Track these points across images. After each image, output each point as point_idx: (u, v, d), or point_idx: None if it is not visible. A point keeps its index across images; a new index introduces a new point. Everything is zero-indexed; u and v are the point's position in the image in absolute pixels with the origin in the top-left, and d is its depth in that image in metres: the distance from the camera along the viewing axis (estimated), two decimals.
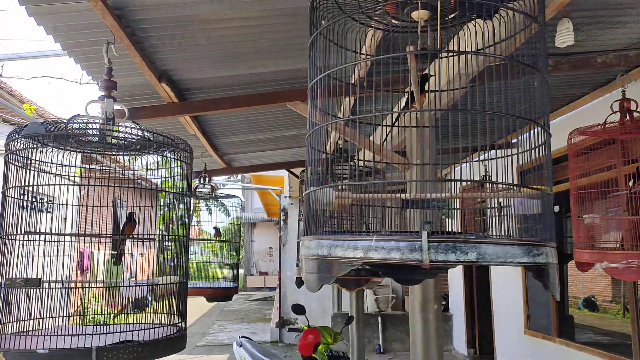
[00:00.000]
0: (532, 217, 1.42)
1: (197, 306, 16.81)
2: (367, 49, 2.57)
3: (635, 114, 3.32)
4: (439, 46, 1.58)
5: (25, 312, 1.98)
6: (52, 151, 2.28)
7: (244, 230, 26.37)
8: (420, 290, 3.28)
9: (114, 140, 2.23)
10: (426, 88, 1.99)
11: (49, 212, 2.25)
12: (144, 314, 2.29)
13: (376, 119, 2.53)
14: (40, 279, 1.89)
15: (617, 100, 3.33)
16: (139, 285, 2.08)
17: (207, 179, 4.81)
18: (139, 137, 2.14)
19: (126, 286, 2.06)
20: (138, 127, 2.15)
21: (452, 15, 1.67)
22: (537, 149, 1.42)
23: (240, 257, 26.19)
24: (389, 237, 1.23)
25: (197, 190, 4.75)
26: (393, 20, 1.78)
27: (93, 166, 2.40)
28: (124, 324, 2.19)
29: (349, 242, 1.27)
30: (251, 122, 4.58)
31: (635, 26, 3.20)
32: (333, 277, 1.30)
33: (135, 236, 2.43)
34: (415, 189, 1.68)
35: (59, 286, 2.03)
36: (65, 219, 2.42)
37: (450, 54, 1.68)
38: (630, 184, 3.42)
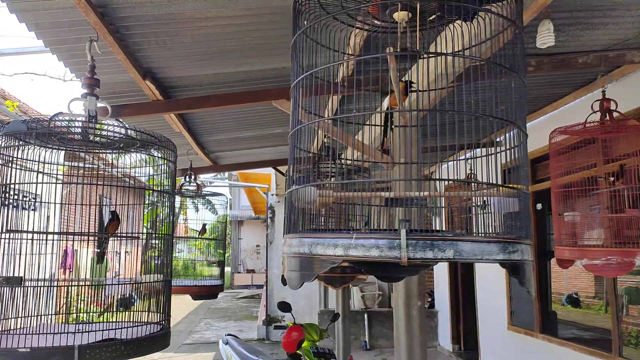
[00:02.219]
0: (509, 215, 1.45)
1: (183, 304, 16.74)
2: (352, 48, 2.59)
3: (615, 114, 3.38)
4: (418, 47, 1.60)
5: (9, 310, 1.97)
6: (34, 149, 2.26)
7: (231, 228, 26.31)
8: (404, 287, 3.32)
9: (97, 138, 2.22)
10: (409, 89, 2.01)
11: (33, 210, 2.24)
12: (128, 313, 2.29)
13: (361, 118, 2.55)
14: (21, 277, 1.88)
15: (597, 100, 3.38)
16: (122, 284, 2.07)
17: (192, 176, 4.80)
18: (122, 135, 2.14)
19: (109, 284, 2.06)
20: (121, 125, 2.14)
21: (433, 17, 1.69)
22: (514, 149, 1.44)
23: (227, 254, 26.18)
24: (368, 235, 1.26)
25: (183, 188, 4.74)
26: (375, 21, 1.80)
27: (77, 164, 2.38)
28: (107, 322, 2.18)
29: (329, 240, 1.29)
30: (237, 120, 4.58)
31: (615, 27, 3.26)
32: (314, 275, 1.32)
33: (119, 234, 2.42)
34: (398, 187, 1.71)
35: (42, 284, 2.03)
36: (49, 217, 2.40)
37: (431, 55, 1.70)
38: (612, 180, 3.49)
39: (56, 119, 2.06)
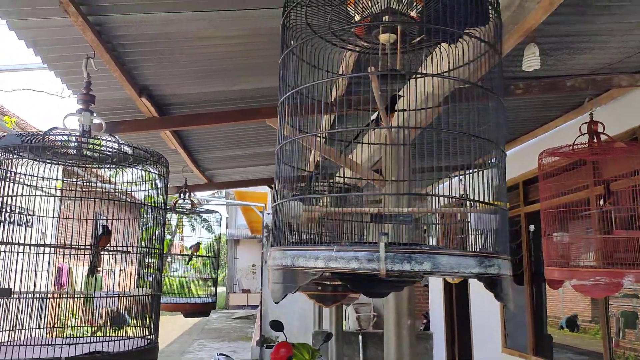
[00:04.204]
0: (489, 231, 1.48)
1: (177, 325, 16.58)
2: (344, 68, 2.66)
3: (603, 137, 3.44)
4: (402, 68, 1.66)
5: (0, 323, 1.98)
6: (29, 163, 2.30)
7: (227, 247, 26.21)
8: (394, 306, 3.33)
9: (90, 153, 2.26)
10: (396, 108, 2.07)
11: (28, 226, 2.26)
12: (118, 328, 2.30)
13: (350, 137, 2.60)
14: (10, 289, 1.90)
15: (585, 123, 3.45)
16: (110, 297, 2.09)
17: (187, 193, 4.83)
18: (115, 150, 2.18)
19: (97, 297, 2.07)
20: (114, 140, 2.19)
21: (418, 39, 1.75)
22: (491, 169, 1.48)
23: (223, 274, 25.94)
24: (348, 248, 1.29)
25: (178, 205, 4.77)
26: (362, 43, 1.86)
27: (72, 180, 2.41)
28: (95, 336, 2.19)
29: (311, 253, 1.32)
30: (232, 138, 4.64)
31: (601, 52, 3.34)
32: (296, 286, 1.35)
33: (109, 249, 2.45)
34: (385, 203, 1.74)
35: (32, 297, 2.04)
36: (44, 234, 2.43)
37: (414, 76, 1.76)
38: (601, 203, 3.53)
39: (51, 133, 2.11)
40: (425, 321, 9.95)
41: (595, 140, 3.45)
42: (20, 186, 2.27)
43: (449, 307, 8.52)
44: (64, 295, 2.14)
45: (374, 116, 2.11)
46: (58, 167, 2.43)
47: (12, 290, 1.89)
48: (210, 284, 4.67)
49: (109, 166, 2.39)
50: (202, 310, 4.47)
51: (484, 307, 6.95)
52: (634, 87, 3.93)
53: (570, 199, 3.64)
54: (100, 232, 2.44)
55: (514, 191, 6.33)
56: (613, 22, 2.91)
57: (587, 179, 3.84)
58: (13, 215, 2.17)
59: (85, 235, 2.53)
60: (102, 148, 2.19)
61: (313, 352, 4.47)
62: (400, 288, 1.96)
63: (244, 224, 23.19)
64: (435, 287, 9.07)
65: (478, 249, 1.49)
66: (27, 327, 2.16)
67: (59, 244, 2.36)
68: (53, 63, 2.76)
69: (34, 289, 2.19)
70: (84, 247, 2.37)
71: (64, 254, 2.23)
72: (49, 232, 2.45)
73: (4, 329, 2.07)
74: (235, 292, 24.24)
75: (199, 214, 4.77)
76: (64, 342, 1.94)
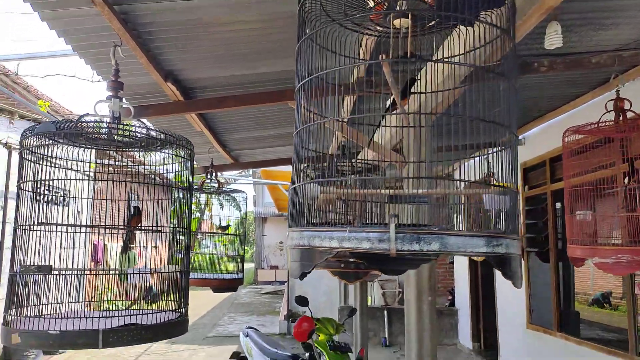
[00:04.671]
0: (500, 212, 1.52)
1: (208, 299, 17.08)
2: (364, 52, 2.69)
3: (630, 114, 3.39)
4: (415, 52, 1.69)
5: (42, 297, 2.13)
6: (63, 148, 2.43)
7: (255, 224, 26.59)
8: (415, 282, 3.40)
9: (120, 138, 2.37)
10: (410, 92, 2.10)
11: (65, 205, 2.40)
12: (151, 302, 2.44)
13: (370, 118, 2.64)
14: (51, 266, 2.05)
15: (611, 100, 3.40)
16: (143, 273, 2.22)
17: (214, 173, 4.96)
18: (143, 135, 2.29)
19: (130, 273, 2.21)
20: (143, 125, 2.29)
21: (432, 23, 1.78)
22: (502, 151, 1.52)
23: (252, 251, 26.30)
24: (360, 229, 1.36)
25: (205, 185, 4.90)
26: (378, 27, 1.90)
27: (105, 161, 2.54)
28: (129, 309, 2.34)
29: (325, 233, 1.40)
30: (256, 120, 4.72)
31: (628, 27, 3.27)
32: (313, 265, 1.43)
33: (140, 228, 2.58)
34: (406, 185, 1.79)
35: (70, 273, 2.19)
36: (80, 212, 2.57)
37: (428, 60, 1.79)
38: (626, 181, 3.50)
39: (83, 120, 2.22)
40: (450, 297, 10.02)
41: (621, 117, 3.40)
42: (56, 169, 2.40)
43: (474, 284, 8.55)
44: (99, 272, 2.29)
45: (389, 101, 2.16)
46: (91, 151, 2.56)
47: (52, 267, 2.04)
48: (237, 260, 4.82)
49: (138, 149, 2.50)
50: (229, 285, 4.63)
51: (509, 283, 6.95)
52: None
53: (594, 177, 3.60)
54: (132, 212, 2.57)
55: (540, 169, 6.27)
56: None
57: (612, 156, 3.78)
58: (51, 195, 2.31)
59: (119, 214, 2.67)
60: (131, 133, 2.30)
61: (337, 327, 4.60)
62: (415, 265, 2.02)
63: (271, 202, 23.44)
64: (461, 265, 9.10)
65: (489, 229, 1.54)
66: (67, 302, 2.32)
67: (93, 223, 2.50)
68: (83, 51, 2.88)
69: (72, 266, 2.34)
70: (117, 227, 2.50)
71: (98, 233, 2.36)
72: (85, 212, 2.58)
73: (46, 303, 2.23)
74: (263, 268, 24.69)
75: (223, 193, 4.89)
76: (100, 315, 2.09)
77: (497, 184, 1.55)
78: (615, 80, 3.71)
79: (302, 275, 1.46)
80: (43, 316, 2.08)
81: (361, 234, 1.34)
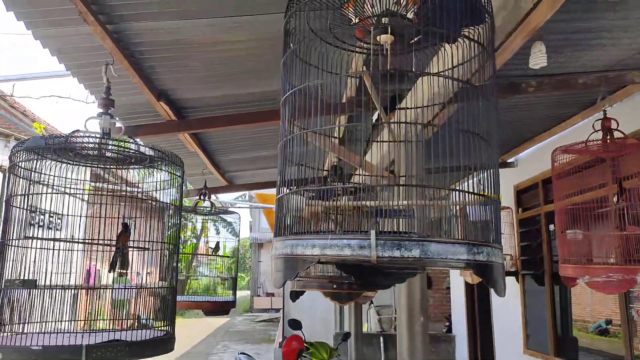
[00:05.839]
0: (482, 222, 1.53)
1: (202, 327, 16.85)
2: (354, 68, 2.74)
3: (617, 133, 3.43)
4: (399, 68, 1.72)
5: (26, 314, 2.11)
6: (55, 166, 2.44)
7: (251, 251, 26.42)
8: (406, 303, 3.38)
9: (109, 154, 2.39)
10: (396, 107, 2.13)
11: (57, 229, 2.39)
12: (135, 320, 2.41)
13: (359, 135, 2.65)
14: (36, 280, 2.03)
15: (598, 120, 3.45)
16: (128, 288, 2.20)
17: (207, 195, 4.96)
18: (132, 151, 2.30)
19: (116, 288, 2.19)
20: (132, 141, 2.31)
21: (415, 40, 1.81)
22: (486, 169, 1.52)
23: (247, 278, 25.94)
24: (341, 236, 1.36)
25: (199, 205, 4.90)
26: (364, 45, 1.94)
27: (98, 184, 2.54)
28: (114, 328, 2.31)
29: (308, 241, 1.40)
30: (250, 140, 4.75)
31: (613, 49, 3.34)
32: (296, 273, 1.43)
33: (129, 246, 2.56)
34: (393, 199, 1.80)
35: (56, 289, 2.17)
36: (73, 237, 2.55)
37: (410, 73, 1.82)
38: (615, 200, 3.52)
39: (73, 135, 2.24)
40: (447, 324, 9.91)
41: (608, 137, 3.45)
42: (48, 189, 2.40)
43: (471, 309, 8.47)
44: (85, 288, 2.26)
45: (375, 116, 2.18)
46: (85, 170, 2.56)
47: (37, 281, 2.03)
48: (228, 283, 4.78)
49: (127, 167, 2.51)
50: (222, 308, 4.58)
51: (506, 308, 6.90)
52: None
53: (584, 199, 3.62)
54: (121, 229, 2.56)
55: (533, 191, 6.29)
56: (621, 18, 2.92)
57: (601, 177, 3.81)
58: (41, 217, 2.29)
59: (111, 234, 2.65)
60: (120, 149, 2.32)
61: (331, 351, 4.53)
62: (402, 279, 2.01)
63: (267, 227, 23.38)
64: (457, 290, 9.03)
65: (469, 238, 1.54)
66: (52, 320, 2.29)
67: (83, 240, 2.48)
68: (76, 70, 2.92)
69: (62, 283, 2.32)
70: (103, 241, 2.49)
71: (91, 251, 2.34)
72: (77, 235, 2.57)
73: (31, 321, 2.20)
74: (259, 296, 24.42)
75: (220, 216, 4.89)
76: (84, 331, 2.06)
77: (480, 193, 1.56)
78: (603, 101, 3.77)
79: (284, 283, 1.46)
80: (26, 333, 2.05)
81: (342, 242, 1.34)
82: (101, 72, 2.60)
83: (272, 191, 10.40)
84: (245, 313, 23.22)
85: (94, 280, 11.87)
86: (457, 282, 8.91)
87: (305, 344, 4.22)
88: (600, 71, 3.63)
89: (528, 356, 6.25)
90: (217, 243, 4.96)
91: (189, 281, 4.90)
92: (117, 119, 2.46)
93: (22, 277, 2.01)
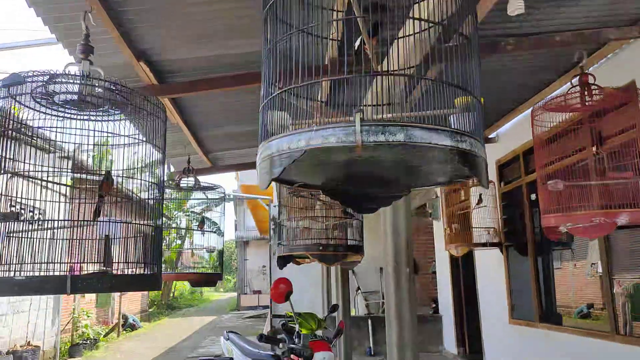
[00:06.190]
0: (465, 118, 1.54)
1: (190, 324, 16.72)
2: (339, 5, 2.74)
3: (594, 88, 3.49)
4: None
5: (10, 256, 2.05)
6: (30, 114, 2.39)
7: (237, 249, 26.28)
8: (392, 254, 3.40)
9: (90, 99, 2.36)
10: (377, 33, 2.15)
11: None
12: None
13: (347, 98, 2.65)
14: (18, 212, 2.00)
15: (576, 76, 3.51)
16: (114, 222, 2.18)
17: (191, 170, 4.94)
18: (115, 92, 2.28)
19: (102, 221, 2.16)
20: (113, 82, 2.29)
21: None
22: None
23: (234, 280, 25.68)
24: (327, 126, 1.37)
25: (182, 182, 4.87)
26: None
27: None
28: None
29: (292, 136, 1.41)
30: (231, 112, 4.74)
31: (588, 3, 3.41)
32: (282, 168, 1.43)
33: (111, 194, 2.53)
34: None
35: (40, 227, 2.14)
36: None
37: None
38: (594, 149, 3.59)
39: (54, 78, 2.21)
40: (434, 305, 9.98)
41: (587, 91, 3.51)
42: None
43: (457, 290, 8.53)
44: (71, 224, 2.21)
45: (357, 42, 2.20)
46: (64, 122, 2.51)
47: (19, 214, 1.99)
48: (216, 254, 4.76)
49: (107, 115, 2.48)
50: (208, 280, 4.56)
51: (491, 280, 6.98)
52: (625, 42, 3.99)
53: (565, 164, 3.65)
54: (103, 177, 2.53)
55: (514, 164, 6.38)
56: None
57: (582, 140, 3.83)
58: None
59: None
60: (103, 91, 2.30)
61: (319, 321, 4.53)
62: (387, 203, 2.03)
63: (253, 225, 23.31)
64: (443, 271, 9.10)
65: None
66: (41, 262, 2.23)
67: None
68: (54, 25, 2.88)
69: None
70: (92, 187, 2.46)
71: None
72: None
73: (16, 262, 2.15)
74: (246, 294, 24.32)
75: (201, 189, 4.86)
76: (70, 262, 2.04)
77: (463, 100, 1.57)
78: (580, 61, 3.84)
79: (270, 183, 1.46)
80: (10, 265, 2.01)
81: (327, 131, 1.35)
82: (78, 27, 2.57)
83: (257, 181, 10.41)
84: (232, 311, 23.10)
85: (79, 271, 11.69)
86: (443, 261, 8.98)
87: (293, 314, 4.21)
88: (576, 30, 3.70)
89: (513, 325, 6.33)
90: (203, 218, 4.93)
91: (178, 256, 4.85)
92: (97, 66, 2.44)
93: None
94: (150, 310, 20.55)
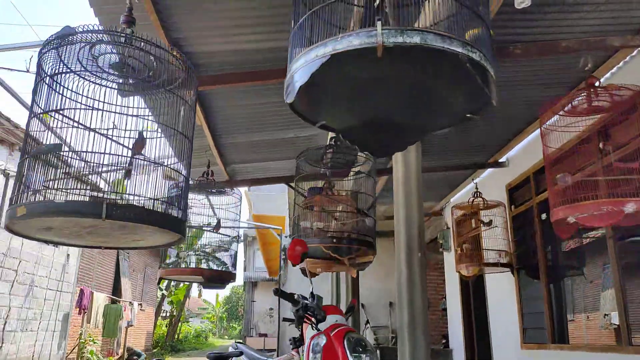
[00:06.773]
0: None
1: None
2: None
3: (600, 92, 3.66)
4: None
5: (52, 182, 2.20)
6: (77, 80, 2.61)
7: (245, 290, 25.99)
8: (405, 241, 3.50)
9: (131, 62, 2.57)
10: None
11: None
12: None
13: None
14: (61, 144, 2.16)
15: (583, 81, 3.69)
16: (148, 161, 2.33)
17: (210, 174, 5.13)
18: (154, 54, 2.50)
19: (138, 159, 2.31)
20: (155, 42, 2.51)
21: None
22: None
23: (240, 327, 25.00)
24: (351, 32, 1.55)
25: (200, 183, 5.04)
26: None
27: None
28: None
29: (318, 47, 1.59)
30: (257, 119, 4.95)
31: (592, 7, 3.64)
32: (309, 75, 1.60)
33: (143, 157, 2.69)
34: None
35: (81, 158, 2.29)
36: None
37: None
38: (600, 145, 3.72)
39: (102, 32, 2.44)
40: (444, 341, 9.81)
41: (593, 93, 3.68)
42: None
43: (467, 321, 8.42)
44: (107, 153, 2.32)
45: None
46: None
47: (62, 146, 2.16)
48: (228, 254, 4.85)
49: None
50: (221, 277, 4.62)
51: (502, 306, 6.91)
52: (629, 49, 4.17)
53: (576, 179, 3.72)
54: (137, 138, 2.71)
55: (525, 186, 6.48)
56: None
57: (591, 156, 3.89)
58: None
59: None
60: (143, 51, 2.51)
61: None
62: (403, 147, 2.17)
63: (262, 266, 23.15)
64: (453, 301, 9.00)
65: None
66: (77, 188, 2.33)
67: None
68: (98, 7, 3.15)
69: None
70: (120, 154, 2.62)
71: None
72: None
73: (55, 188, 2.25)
74: (252, 336, 23.85)
75: (219, 192, 5.02)
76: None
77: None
78: (584, 62, 4.04)
79: (298, 91, 1.62)
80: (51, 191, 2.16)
81: (350, 36, 1.53)
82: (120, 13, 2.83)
83: (270, 213, 10.45)
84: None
85: (88, 301, 11.72)
86: (454, 289, 8.90)
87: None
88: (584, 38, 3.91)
89: (525, 350, 6.22)
90: (219, 220, 5.06)
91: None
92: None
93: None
94: (154, 350, 20.23)
